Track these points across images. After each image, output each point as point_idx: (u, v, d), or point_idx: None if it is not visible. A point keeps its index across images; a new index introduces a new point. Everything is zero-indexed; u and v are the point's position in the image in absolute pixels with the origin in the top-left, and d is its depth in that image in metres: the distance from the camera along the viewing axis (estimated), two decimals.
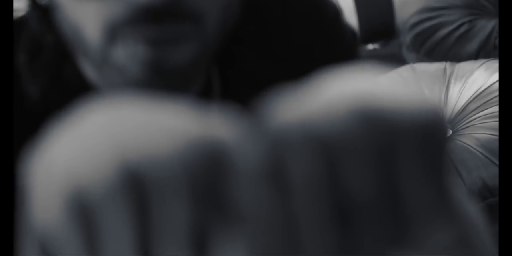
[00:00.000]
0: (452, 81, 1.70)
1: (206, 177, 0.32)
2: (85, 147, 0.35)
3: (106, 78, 0.62)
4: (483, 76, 1.68)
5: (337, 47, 0.73)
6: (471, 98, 1.63)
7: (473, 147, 1.48)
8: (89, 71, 0.64)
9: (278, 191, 0.33)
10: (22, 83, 0.63)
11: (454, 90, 1.68)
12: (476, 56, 2.01)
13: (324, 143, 0.34)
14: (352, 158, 0.34)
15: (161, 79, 0.59)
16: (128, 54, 0.56)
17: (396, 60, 2.01)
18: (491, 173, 1.42)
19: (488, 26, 2.06)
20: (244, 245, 0.32)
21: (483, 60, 1.77)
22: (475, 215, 0.50)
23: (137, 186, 0.32)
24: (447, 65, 1.78)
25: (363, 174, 0.34)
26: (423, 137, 0.35)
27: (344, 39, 0.75)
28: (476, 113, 1.58)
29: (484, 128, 1.52)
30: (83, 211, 0.33)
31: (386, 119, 0.35)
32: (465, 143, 1.48)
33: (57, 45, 0.64)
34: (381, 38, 2.18)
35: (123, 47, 0.56)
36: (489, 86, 1.64)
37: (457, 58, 1.89)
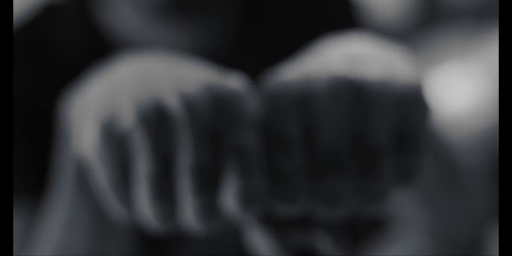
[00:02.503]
0: None
1: (215, 119, 0.38)
2: (116, 87, 0.40)
3: (132, 17, 0.70)
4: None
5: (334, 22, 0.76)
6: None
7: None
8: (117, 16, 0.71)
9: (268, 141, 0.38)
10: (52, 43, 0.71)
11: None
12: None
13: (305, 100, 0.38)
14: (326, 115, 0.38)
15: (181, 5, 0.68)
16: None
17: None
18: None
19: None
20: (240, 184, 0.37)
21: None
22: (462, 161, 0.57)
23: (161, 117, 0.38)
24: None
25: (334, 136, 0.38)
26: (397, 108, 0.38)
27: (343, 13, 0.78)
28: None
29: None
30: (115, 137, 0.38)
31: (364, 88, 0.38)
32: None
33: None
34: None
35: None
36: None
37: None
